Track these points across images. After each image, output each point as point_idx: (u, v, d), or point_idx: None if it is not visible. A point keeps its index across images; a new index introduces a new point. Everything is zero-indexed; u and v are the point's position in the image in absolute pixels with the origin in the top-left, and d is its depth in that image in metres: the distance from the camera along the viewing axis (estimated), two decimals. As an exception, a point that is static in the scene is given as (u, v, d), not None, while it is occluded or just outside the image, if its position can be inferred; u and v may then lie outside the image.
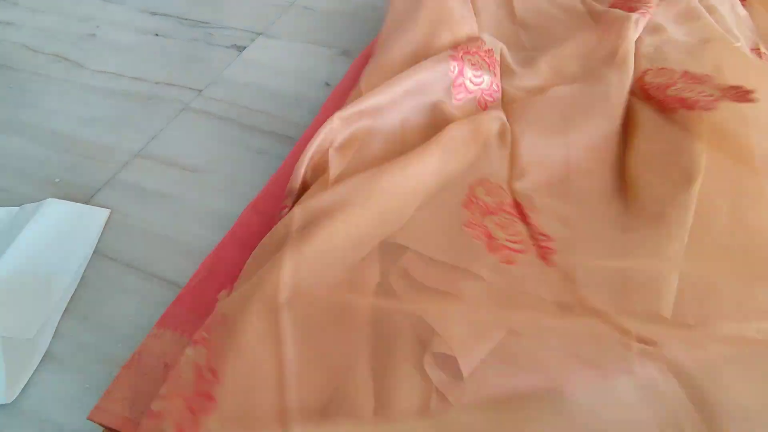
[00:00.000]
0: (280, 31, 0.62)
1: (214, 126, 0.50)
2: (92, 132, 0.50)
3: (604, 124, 0.36)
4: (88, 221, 0.40)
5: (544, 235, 0.31)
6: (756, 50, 0.45)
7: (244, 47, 0.60)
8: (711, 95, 0.34)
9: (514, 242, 0.30)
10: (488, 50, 0.43)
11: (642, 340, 0.24)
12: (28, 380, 0.31)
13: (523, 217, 0.33)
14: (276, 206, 0.34)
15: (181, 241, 0.39)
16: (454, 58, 0.40)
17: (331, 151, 0.35)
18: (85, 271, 0.38)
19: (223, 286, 0.31)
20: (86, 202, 0.43)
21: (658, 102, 0.36)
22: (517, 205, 0.33)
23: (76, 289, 0.36)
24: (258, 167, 0.45)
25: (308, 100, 0.51)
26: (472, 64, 0.40)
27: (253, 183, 0.43)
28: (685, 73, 0.37)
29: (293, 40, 0.61)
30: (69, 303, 0.36)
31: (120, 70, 0.57)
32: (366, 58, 0.48)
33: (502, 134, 0.37)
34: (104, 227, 0.40)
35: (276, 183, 0.38)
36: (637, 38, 0.42)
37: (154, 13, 0.66)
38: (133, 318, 0.35)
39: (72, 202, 0.42)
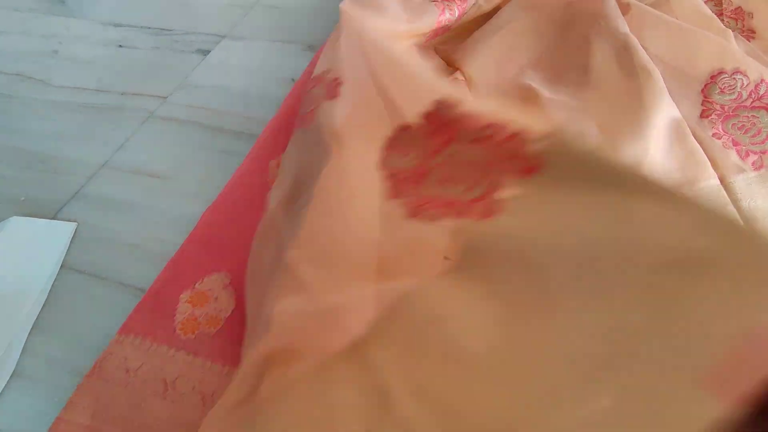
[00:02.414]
0: (244, 32, 0.61)
1: (180, 131, 0.49)
2: (57, 147, 0.49)
3: None
4: (54, 236, 0.39)
5: None
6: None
7: (209, 51, 0.59)
8: None
9: None
10: None
11: None
12: (-3, 400, 0.31)
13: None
14: (237, 204, 0.34)
15: (150, 249, 0.39)
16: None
17: None
18: (52, 286, 0.37)
19: (185, 287, 0.30)
20: (52, 218, 0.42)
21: None
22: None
23: (43, 305, 0.36)
24: (225, 168, 0.44)
25: (274, 97, 0.51)
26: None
27: (221, 184, 0.42)
28: None
29: (258, 40, 0.60)
30: (37, 319, 0.35)
31: (84, 84, 0.56)
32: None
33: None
34: (71, 241, 0.40)
35: (237, 181, 0.38)
36: None
37: (117, 25, 0.65)
38: (103, 328, 0.34)
39: (36, 219, 0.41)
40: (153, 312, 0.30)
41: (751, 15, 0.46)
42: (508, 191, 0.23)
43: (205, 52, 0.59)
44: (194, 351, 0.28)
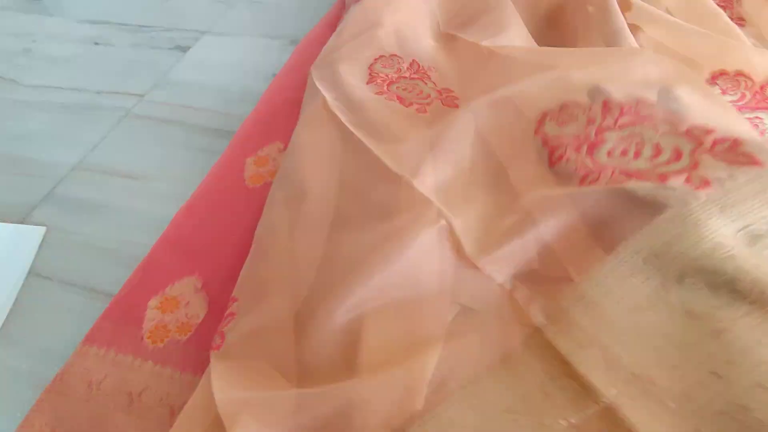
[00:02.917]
0: (225, 28, 0.60)
1: (157, 130, 0.47)
2: (28, 148, 0.47)
3: None
4: (21, 242, 0.37)
5: (446, 89, 0.34)
6: None
7: (188, 47, 0.57)
8: None
9: (423, 98, 0.33)
10: None
11: None
12: (-43, 416, 0.29)
13: (425, 77, 0.35)
14: (211, 204, 0.32)
15: (123, 253, 0.37)
16: None
17: None
18: (19, 293, 0.35)
19: (154, 293, 0.29)
20: (22, 222, 0.40)
21: None
22: (417, 66, 0.35)
23: (8, 314, 0.34)
24: (204, 167, 0.42)
25: (256, 93, 0.49)
26: None
27: (198, 183, 0.40)
28: None
29: (240, 36, 0.58)
30: (1, 329, 0.33)
31: (57, 83, 0.54)
32: (309, 43, 0.45)
33: None
34: (40, 246, 0.38)
35: (212, 180, 0.36)
36: None
37: (93, 22, 0.63)
38: (71, 338, 0.32)
39: (3, 224, 0.39)
40: (119, 320, 0.28)
41: (740, 2, 0.45)
42: (718, 172, 0.22)
43: (185, 49, 0.57)
44: (162, 361, 0.26)
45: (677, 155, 0.23)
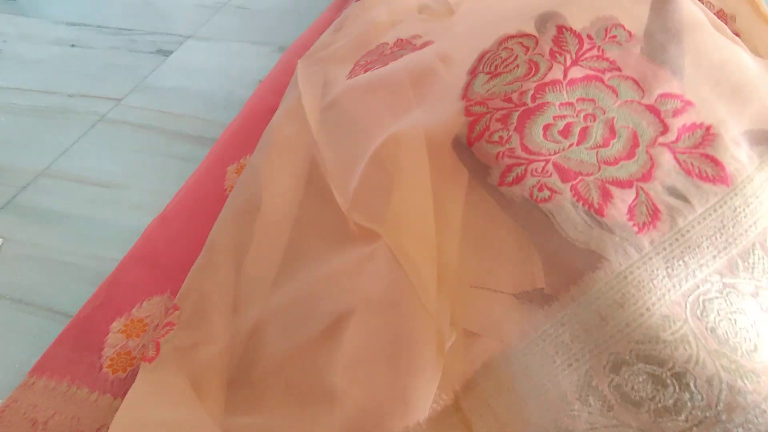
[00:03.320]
0: (211, 33, 0.57)
1: (134, 136, 0.44)
2: (-12, 154, 0.43)
3: None
4: (-28, 255, 0.34)
5: (426, 42, 0.28)
6: None
7: (171, 52, 0.55)
8: None
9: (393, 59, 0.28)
10: None
11: None
12: None
13: (407, 45, 0.30)
14: (187, 216, 0.29)
15: (88, 268, 0.34)
16: None
17: None
18: (-35, 314, 0.31)
19: (119, 314, 0.26)
20: (-25, 233, 0.36)
21: None
22: (401, 42, 0.30)
23: (-49, 338, 0.30)
24: (182, 176, 0.39)
25: (240, 100, 0.46)
26: None
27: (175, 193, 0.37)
28: None
29: (225, 41, 0.56)
30: (-59, 355, 0.29)
31: (27, 85, 0.51)
32: (297, 50, 0.43)
33: None
34: (-7, 260, 0.34)
35: (189, 190, 0.33)
36: None
37: (71, 24, 0.60)
38: (22, 366, 0.28)
39: (-48, 235, 0.35)
40: (75, 346, 0.25)
41: (733, 18, 0.45)
42: (671, 197, 0.17)
43: (167, 53, 0.55)
44: (124, 394, 0.23)
45: (632, 146, 0.18)
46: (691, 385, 0.15)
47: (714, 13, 0.47)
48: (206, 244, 0.26)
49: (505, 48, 0.21)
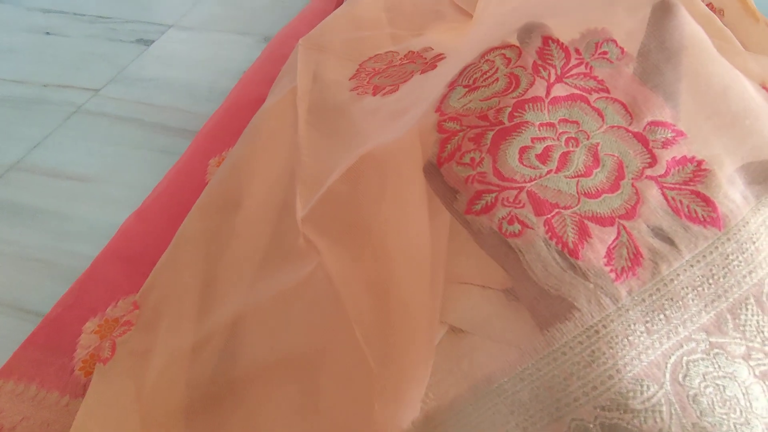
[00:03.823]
0: (194, 22, 0.56)
1: (112, 128, 0.43)
2: (-44, 146, 0.41)
3: None
4: (-63, 252, 0.32)
5: (437, 55, 0.26)
6: None
7: (152, 41, 0.53)
8: None
9: (401, 78, 0.26)
10: None
11: None
12: None
13: (418, 58, 0.28)
14: (167, 210, 0.28)
15: (62, 265, 0.32)
16: None
17: None
18: (-71, 314, 0.30)
19: (93, 313, 0.24)
20: (-59, 229, 0.34)
21: None
22: (412, 54, 0.28)
23: None
24: (163, 170, 0.38)
25: (223, 91, 0.45)
26: None
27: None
28: None
29: (209, 31, 0.54)
30: None
31: (-2, 74, 0.48)
32: (283, 40, 0.42)
33: None
34: (-40, 257, 0.32)
35: (169, 183, 0.32)
36: None
37: (46, 11, 0.58)
38: (-9, 368, 0.27)
39: None
40: (45, 347, 0.23)
41: (722, 12, 0.45)
42: (656, 239, 0.15)
43: (148, 43, 0.53)
44: (98, 397, 0.22)
45: (616, 177, 0.16)
46: None
47: (706, 5, 0.47)
48: (174, 240, 0.24)
49: (487, 60, 0.19)
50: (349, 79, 0.29)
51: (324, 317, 0.18)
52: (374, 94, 0.28)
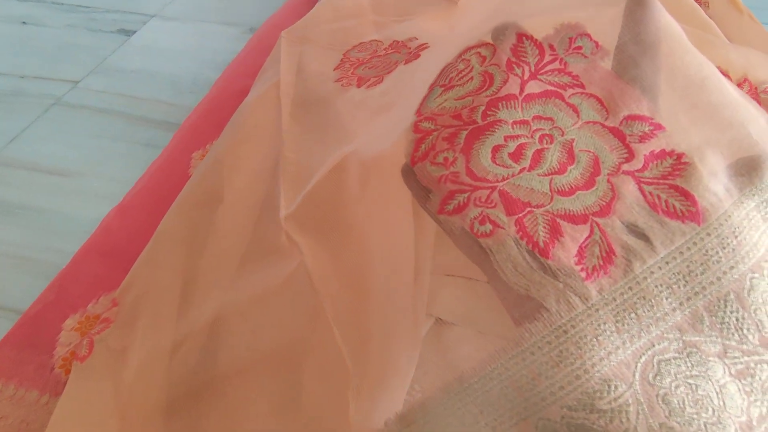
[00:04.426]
0: (177, 12, 0.54)
1: (93, 121, 0.42)
2: (-71, 139, 0.40)
3: None
4: None
5: (421, 45, 0.27)
6: None
7: (134, 31, 0.52)
8: None
9: (386, 69, 0.26)
10: None
11: None
12: None
13: (402, 48, 0.28)
14: (149, 204, 0.27)
15: (43, 263, 0.31)
16: None
17: None
18: None
19: (73, 310, 0.24)
20: None
21: None
22: (396, 44, 0.28)
23: None
24: (146, 163, 0.37)
25: (208, 83, 0.44)
26: None
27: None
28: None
29: (193, 21, 0.53)
30: None
31: (-28, 66, 0.47)
32: (269, 30, 0.41)
33: None
34: (-65, 255, 0.31)
35: (152, 177, 0.31)
36: None
37: (22, 0, 0.56)
38: (-32, 367, 0.27)
39: None
40: (24, 345, 0.23)
41: (706, 4, 0.45)
42: (629, 236, 0.15)
43: (129, 33, 0.51)
44: (78, 395, 0.21)
45: (591, 174, 0.15)
46: None
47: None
48: (154, 237, 0.24)
49: (463, 60, 0.19)
50: (334, 70, 0.29)
51: (304, 316, 0.18)
52: (359, 86, 0.28)
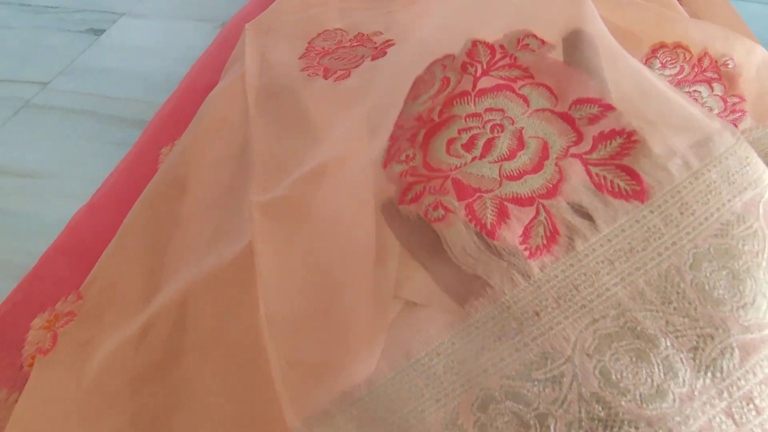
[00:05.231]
0: (148, 10, 0.54)
1: (64, 122, 0.41)
2: None
3: None
4: None
5: (387, 41, 0.28)
6: None
7: (103, 30, 0.51)
8: None
9: (352, 62, 0.27)
10: None
11: None
12: None
13: (367, 42, 0.29)
14: (117, 203, 0.27)
15: (13, 265, 0.31)
16: None
17: None
18: None
19: (42, 309, 0.24)
20: None
21: None
22: (361, 36, 0.29)
23: None
24: (117, 162, 0.37)
25: (181, 79, 0.44)
26: None
27: (110, 181, 0.35)
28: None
29: (164, 18, 0.53)
30: None
31: (-62, 70, 0.46)
32: (237, 24, 0.41)
33: None
34: None
35: (120, 174, 0.31)
36: None
37: (-12, 2, 0.55)
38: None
39: None
40: (-9, 348, 0.23)
41: None
42: (573, 217, 0.15)
43: (99, 32, 0.51)
44: (48, 392, 0.21)
45: (540, 158, 0.16)
46: (551, 428, 0.13)
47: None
48: (119, 230, 0.24)
49: (428, 71, 0.20)
50: (299, 59, 0.29)
51: (252, 298, 0.18)
52: (326, 77, 0.28)
